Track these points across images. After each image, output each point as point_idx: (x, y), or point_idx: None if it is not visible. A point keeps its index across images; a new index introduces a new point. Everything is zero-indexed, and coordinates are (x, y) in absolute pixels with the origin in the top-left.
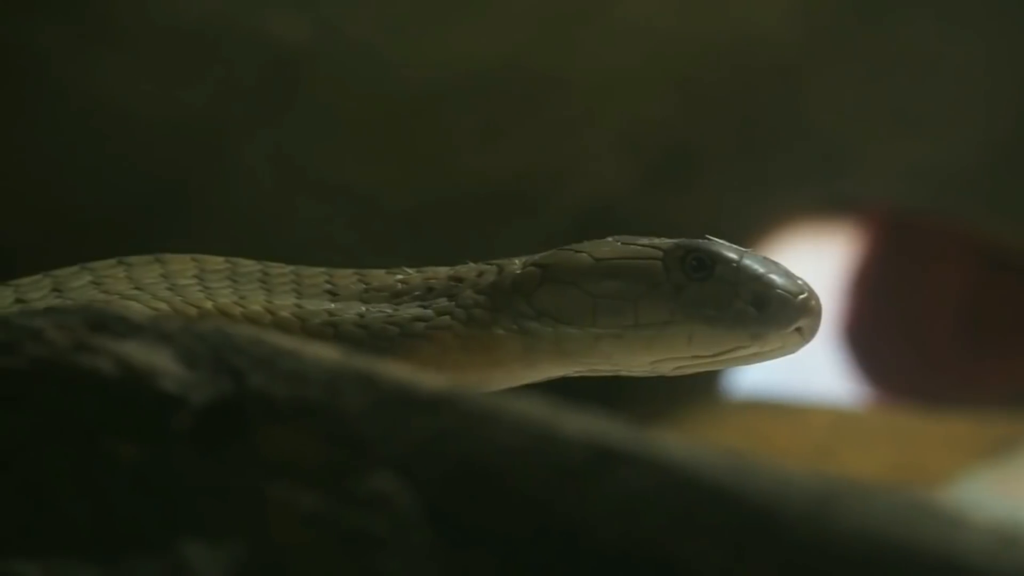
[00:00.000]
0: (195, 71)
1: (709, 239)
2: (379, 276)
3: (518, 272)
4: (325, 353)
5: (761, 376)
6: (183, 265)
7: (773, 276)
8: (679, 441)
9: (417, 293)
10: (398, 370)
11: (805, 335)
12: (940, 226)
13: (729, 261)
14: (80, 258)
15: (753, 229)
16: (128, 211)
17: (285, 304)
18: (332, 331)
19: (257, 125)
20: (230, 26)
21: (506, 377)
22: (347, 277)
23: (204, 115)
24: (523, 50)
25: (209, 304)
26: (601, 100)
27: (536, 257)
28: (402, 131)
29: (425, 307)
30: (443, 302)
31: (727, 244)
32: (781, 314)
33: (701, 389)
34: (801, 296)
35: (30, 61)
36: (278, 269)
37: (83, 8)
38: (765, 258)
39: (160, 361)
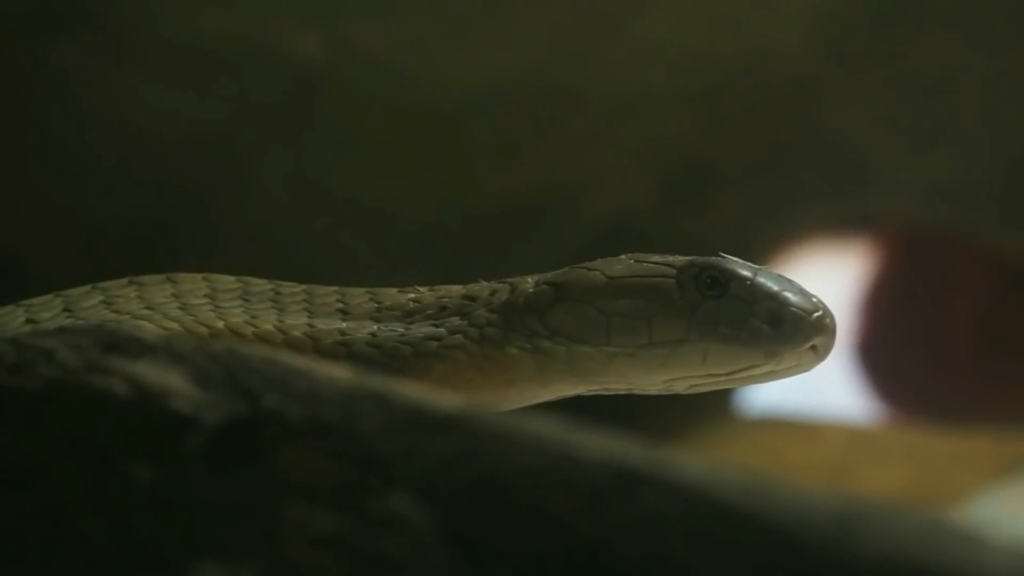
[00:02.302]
0: (212, 88)
1: (723, 256)
2: (391, 295)
3: (531, 291)
4: (339, 373)
5: (775, 394)
6: (194, 284)
7: (787, 294)
8: (697, 460)
9: (430, 312)
10: (412, 390)
11: (820, 353)
12: (957, 242)
13: (743, 279)
14: (97, 275)
15: (770, 245)
16: (145, 227)
17: (297, 323)
18: (344, 350)
19: (274, 142)
20: (248, 44)
21: (519, 396)
22: (359, 296)
23: (221, 132)
24: (542, 67)
25: (221, 324)
26: (619, 117)
27: (549, 275)
28: (420, 148)
29: (438, 326)
30: (456, 321)
31: (741, 262)
32: (796, 332)
33: (715, 407)
34: (816, 314)
35: (49, 79)
36: (290, 288)
37: (101, 26)
38: (779, 276)
39: (173, 381)
